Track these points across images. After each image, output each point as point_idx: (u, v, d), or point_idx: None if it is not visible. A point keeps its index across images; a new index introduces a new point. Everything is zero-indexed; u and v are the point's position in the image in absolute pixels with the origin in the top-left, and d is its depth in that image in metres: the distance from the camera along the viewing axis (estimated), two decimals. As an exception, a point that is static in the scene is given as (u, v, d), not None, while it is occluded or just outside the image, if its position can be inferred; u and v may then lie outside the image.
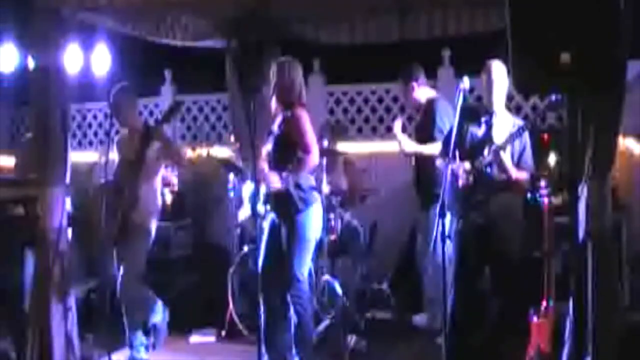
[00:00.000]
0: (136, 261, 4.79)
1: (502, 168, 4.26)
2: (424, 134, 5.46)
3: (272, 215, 4.58)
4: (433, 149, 5.16)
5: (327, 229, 5.49)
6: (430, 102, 5.51)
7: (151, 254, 5.00)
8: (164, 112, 4.93)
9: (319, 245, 4.78)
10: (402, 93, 5.87)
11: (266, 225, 4.60)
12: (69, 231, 4.71)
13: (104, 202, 4.67)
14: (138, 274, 4.81)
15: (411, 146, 5.51)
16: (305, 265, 4.49)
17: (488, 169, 4.31)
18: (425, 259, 5.52)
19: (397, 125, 5.62)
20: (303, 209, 4.41)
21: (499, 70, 4.36)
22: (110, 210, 4.66)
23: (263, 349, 4.35)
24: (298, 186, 4.41)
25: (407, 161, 5.71)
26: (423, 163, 5.43)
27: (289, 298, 4.45)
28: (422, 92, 5.60)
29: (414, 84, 5.57)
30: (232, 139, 6.47)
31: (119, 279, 4.77)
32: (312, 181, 4.55)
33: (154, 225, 4.92)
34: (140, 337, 4.90)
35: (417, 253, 5.71)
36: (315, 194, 4.53)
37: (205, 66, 7.29)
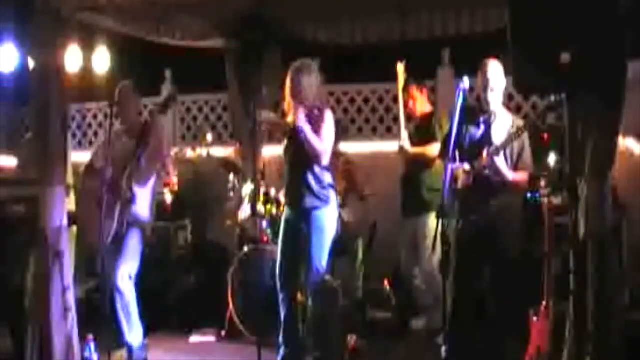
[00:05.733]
0: (133, 260, 4.72)
1: (497, 172, 4.25)
2: (421, 138, 5.44)
3: (287, 212, 4.61)
4: (433, 149, 5.15)
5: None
6: (427, 115, 5.49)
7: (151, 254, 4.96)
8: (162, 102, 4.90)
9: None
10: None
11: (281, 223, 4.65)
12: (74, 229, 4.71)
13: (104, 203, 4.58)
14: (133, 273, 4.72)
15: (409, 146, 5.46)
16: (325, 259, 4.52)
17: (487, 170, 4.30)
18: (413, 266, 5.53)
19: (400, 68, 5.52)
20: (323, 205, 4.47)
21: (495, 69, 4.33)
22: (107, 211, 4.58)
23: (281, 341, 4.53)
24: (319, 182, 4.46)
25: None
26: (412, 167, 5.42)
27: (310, 292, 4.48)
28: (419, 104, 5.55)
29: (417, 92, 5.52)
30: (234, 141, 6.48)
31: (116, 279, 4.67)
32: (329, 178, 4.58)
33: (148, 225, 4.86)
34: (140, 335, 4.80)
35: (403, 262, 5.70)
36: (332, 192, 4.57)
37: (205, 66, 7.29)
